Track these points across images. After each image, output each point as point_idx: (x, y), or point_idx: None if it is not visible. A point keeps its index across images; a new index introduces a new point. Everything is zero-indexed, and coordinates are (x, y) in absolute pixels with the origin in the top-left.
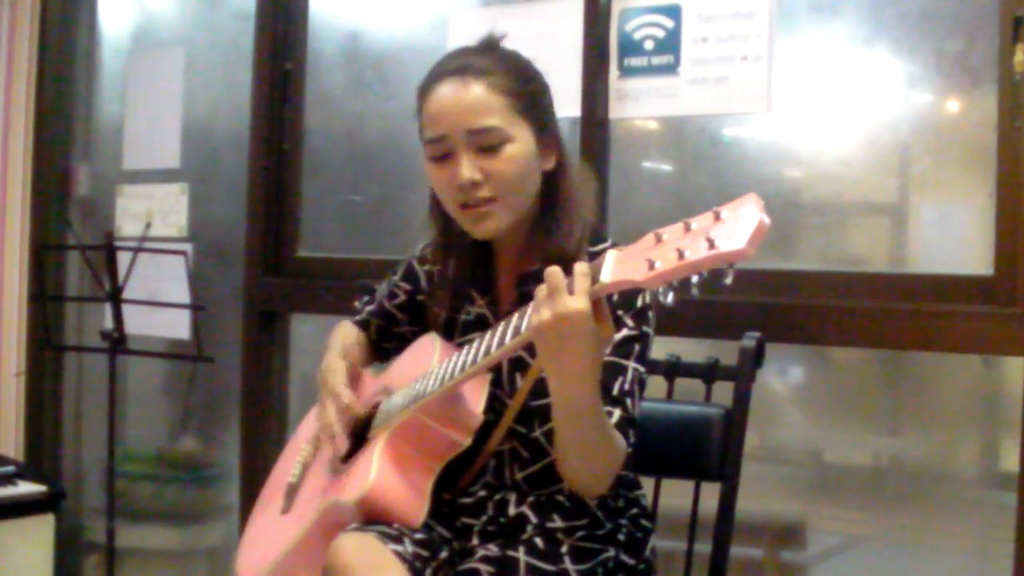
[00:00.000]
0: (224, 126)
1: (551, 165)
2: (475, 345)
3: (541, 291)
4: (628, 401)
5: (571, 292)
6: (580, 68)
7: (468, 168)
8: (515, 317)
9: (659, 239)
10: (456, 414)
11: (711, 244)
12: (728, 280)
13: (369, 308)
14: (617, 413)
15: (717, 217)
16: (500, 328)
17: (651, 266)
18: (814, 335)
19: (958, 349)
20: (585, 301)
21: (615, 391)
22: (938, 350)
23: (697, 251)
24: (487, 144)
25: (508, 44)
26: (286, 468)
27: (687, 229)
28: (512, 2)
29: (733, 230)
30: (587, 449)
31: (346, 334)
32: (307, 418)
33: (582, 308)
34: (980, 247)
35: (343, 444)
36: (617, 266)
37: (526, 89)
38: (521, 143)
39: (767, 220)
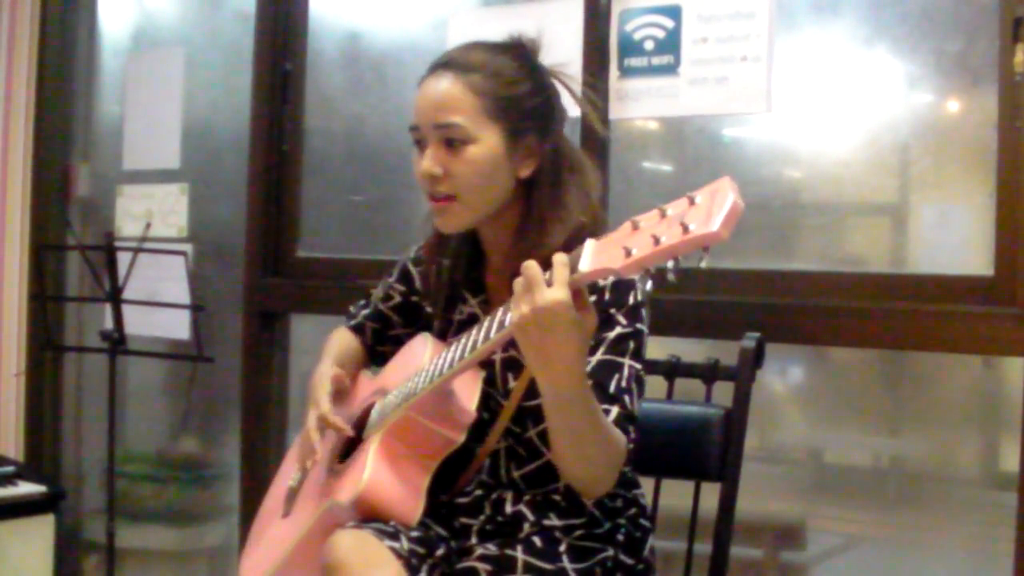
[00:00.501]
0: (224, 126)
1: (527, 173)
2: (462, 341)
3: (518, 284)
4: (626, 398)
5: (550, 283)
6: (580, 68)
7: (429, 161)
8: (499, 312)
9: (635, 226)
10: (449, 412)
11: (685, 229)
12: (703, 264)
13: (364, 312)
14: (615, 410)
15: (691, 202)
16: (485, 323)
17: (627, 253)
18: (814, 335)
19: (958, 349)
20: (564, 291)
21: (612, 389)
22: (938, 350)
23: (672, 236)
24: (450, 140)
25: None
26: (286, 475)
27: (662, 215)
28: (512, 2)
29: (708, 214)
30: (580, 443)
31: (340, 341)
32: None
33: (562, 298)
34: (980, 247)
35: (321, 454)
36: (595, 255)
37: (506, 92)
38: (485, 146)
39: (741, 202)
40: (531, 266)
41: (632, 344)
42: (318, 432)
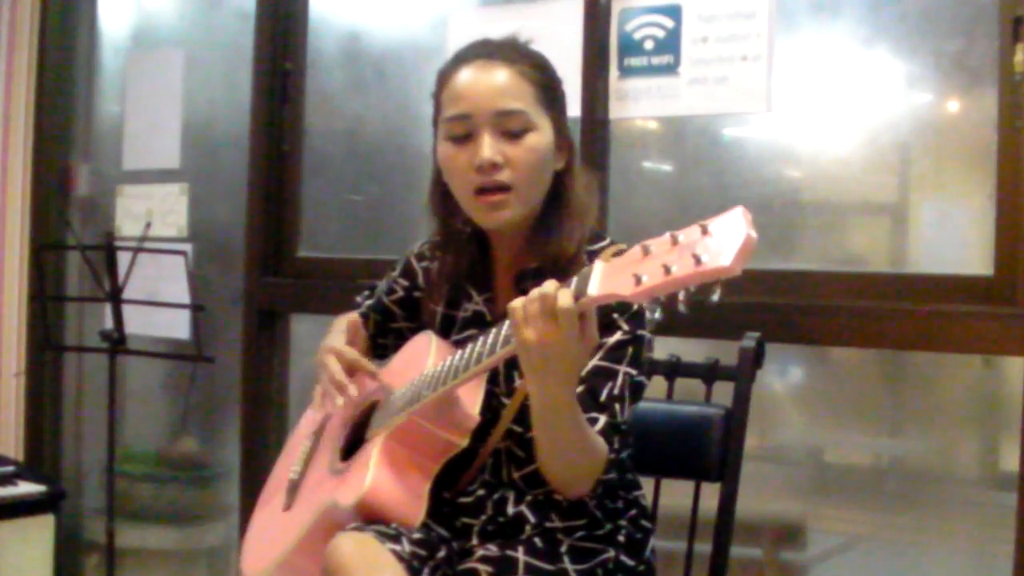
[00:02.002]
0: (224, 126)
1: (561, 165)
2: (468, 350)
3: (532, 307)
4: (616, 407)
5: (556, 312)
6: (580, 68)
7: (490, 148)
8: (506, 326)
9: (646, 252)
10: (452, 416)
11: (697, 260)
12: (715, 297)
13: (368, 303)
14: (603, 420)
15: (704, 231)
16: (492, 335)
17: (638, 281)
18: (814, 335)
19: (958, 349)
20: (573, 325)
21: (603, 397)
22: (938, 350)
23: (683, 267)
24: (511, 128)
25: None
26: (287, 464)
27: (674, 242)
28: (512, 2)
29: (720, 246)
30: (564, 448)
31: (347, 320)
32: (306, 413)
33: (570, 333)
34: (980, 247)
35: (355, 393)
36: (605, 279)
37: (550, 84)
38: (543, 134)
39: (754, 235)
40: (546, 296)
41: (631, 350)
42: (346, 377)
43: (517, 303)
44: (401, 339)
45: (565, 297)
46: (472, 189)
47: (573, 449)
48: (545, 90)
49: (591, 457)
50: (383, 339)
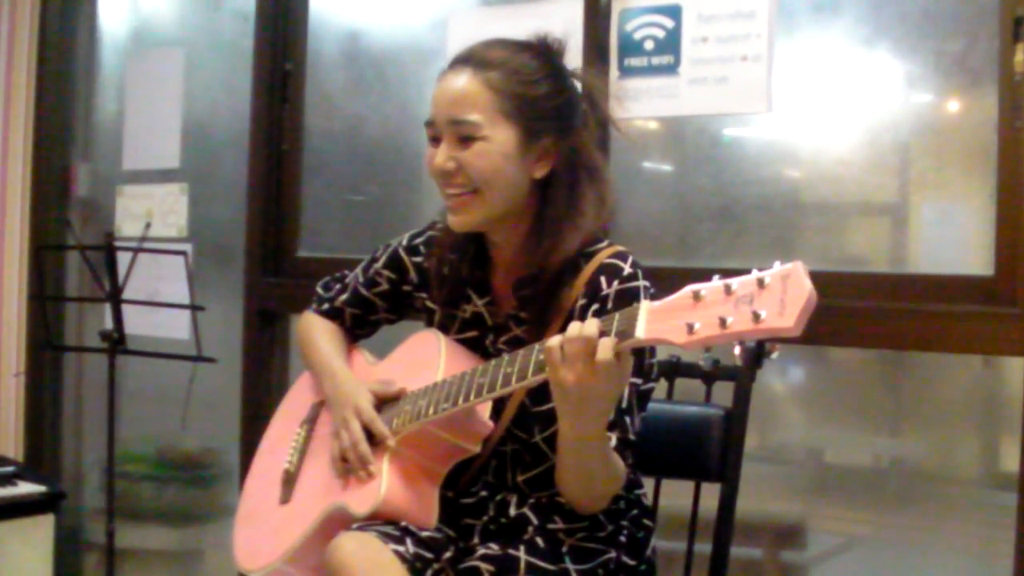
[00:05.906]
0: (224, 126)
1: (541, 174)
2: (493, 367)
3: (571, 347)
4: (626, 419)
5: (596, 363)
6: (580, 69)
7: (442, 156)
8: (535, 351)
9: (697, 298)
10: (468, 426)
11: (756, 317)
12: (774, 356)
13: (342, 297)
14: (614, 437)
15: (761, 284)
16: (520, 358)
17: (690, 329)
18: (814, 335)
19: (958, 349)
20: (612, 370)
21: (612, 414)
22: (938, 350)
23: (740, 322)
24: (463, 135)
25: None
26: (278, 452)
27: (728, 292)
28: (512, 2)
29: (781, 304)
30: (591, 475)
31: (329, 333)
32: (293, 394)
33: (609, 377)
34: (980, 247)
35: (376, 472)
36: (653, 322)
37: (524, 91)
38: (496, 142)
39: (815, 294)
40: (588, 340)
41: (633, 359)
42: (367, 450)
43: (554, 342)
44: (377, 329)
45: (606, 349)
46: (442, 191)
47: (599, 475)
48: (513, 98)
49: (613, 479)
50: (359, 331)
